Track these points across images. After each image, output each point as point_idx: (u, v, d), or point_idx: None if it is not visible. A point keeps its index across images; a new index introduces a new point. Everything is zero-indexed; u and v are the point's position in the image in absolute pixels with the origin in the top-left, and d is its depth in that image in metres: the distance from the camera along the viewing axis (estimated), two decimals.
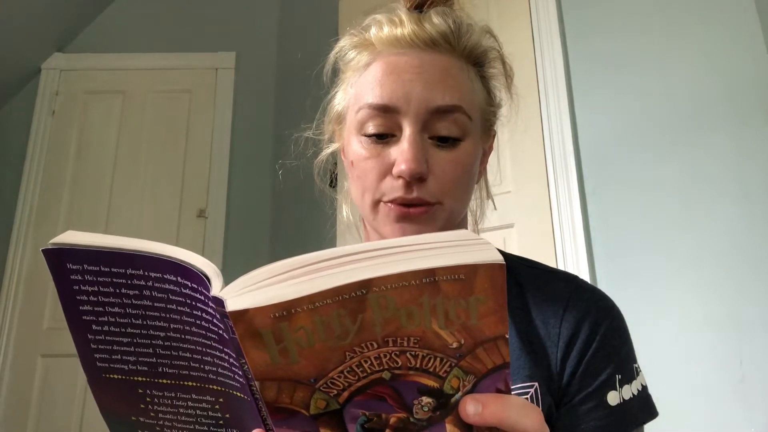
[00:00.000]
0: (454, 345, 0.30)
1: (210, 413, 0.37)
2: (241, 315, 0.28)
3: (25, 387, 2.33)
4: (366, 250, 0.29)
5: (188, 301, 0.33)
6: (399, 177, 0.54)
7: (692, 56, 1.52)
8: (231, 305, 0.28)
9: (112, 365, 0.37)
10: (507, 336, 0.31)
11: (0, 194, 2.59)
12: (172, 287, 0.33)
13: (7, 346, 2.37)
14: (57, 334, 2.38)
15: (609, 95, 1.66)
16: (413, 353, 0.30)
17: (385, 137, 0.56)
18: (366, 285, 0.28)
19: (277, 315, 0.28)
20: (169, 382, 0.37)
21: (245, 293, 0.28)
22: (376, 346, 0.30)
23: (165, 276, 0.33)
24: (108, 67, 2.76)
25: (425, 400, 0.32)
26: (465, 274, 0.28)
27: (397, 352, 0.30)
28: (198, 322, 0.33)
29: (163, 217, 2.55)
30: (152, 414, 0.38)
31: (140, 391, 0.38)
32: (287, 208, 2.49)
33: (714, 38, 1.50)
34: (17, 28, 2.52)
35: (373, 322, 0.29)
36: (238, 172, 2.66)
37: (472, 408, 0.31)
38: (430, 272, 0.28)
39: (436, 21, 0.58)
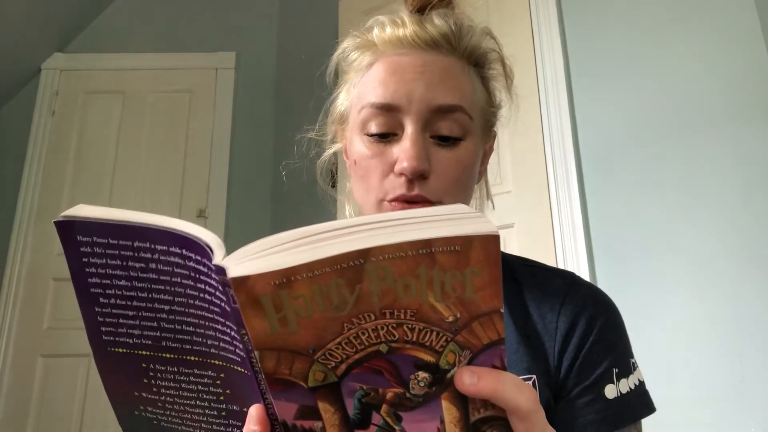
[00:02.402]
0: (450, 319, 0.31)
1: (211, 389, 0.38)
2: (243, 282, 0.28)
3: (25, 387, 2.33)
4: (365, 223, 0.30)
5: (192, 274, 0.34)
6: (401, 174, 0.55)
7: (692, 56, 1.52)
8: (232, 272, 0.28)
9: (117, 339, 0.38)
10: (502, 310, 0.31)
11: (0, 194, 2.59)
12: (177, 260, 0.34)
13: (7, 346, 2.37)
14: (57, 334, 2.38)
15: (609, 95, 1.66)
16: (410, 326, 0.31)
17: (387, 136, 0.57)
18: (364, 254, 0.28)
19: (277, 282, 0.28)
20: (172, 356, 0.37)
21: (247, 261, 0.29)
22: (373, 317, 0.30)
23: (170, 249, 0.34)
24: (108, 67, 2.76)
25: (421, 375, 0.32)
26: (460, 246, 0.29)
27: (394, 325, 0.31)
28: (201, 295, 0.34)
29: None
30: (155, 389, 0.39)
31: (144, 365, 0.38)
32: (287, 208, 2.50)
33: (714, 38, 1.50)
34: (17, 28, 2.52)
35: (370, 292, 0.29)
36: (238, 172, 2.66)
37: (468, 378, 0.32)
38: (427, 243, 0.29)
39: (437, 22, 0.59)
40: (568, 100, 1.72)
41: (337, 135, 0.68)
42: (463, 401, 0.33)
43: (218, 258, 0.30)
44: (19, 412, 2.30)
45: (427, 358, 0.32)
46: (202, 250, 0.32)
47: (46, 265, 2.46)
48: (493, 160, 0.68)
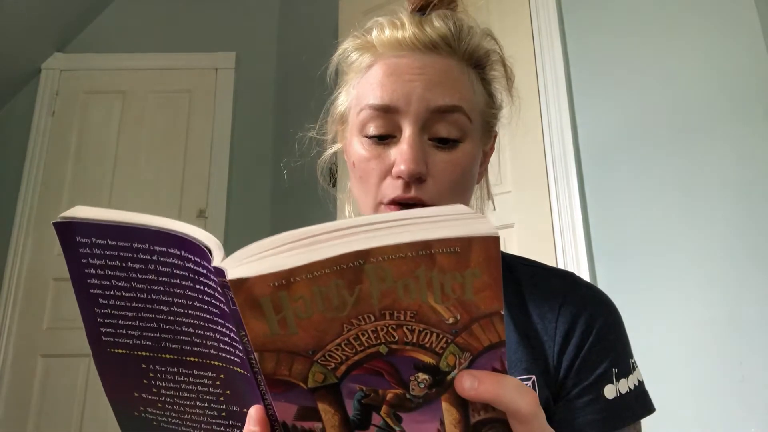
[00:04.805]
0: (450, 320, 0.31)
1: (211, 389, 0.38)
2: (241, 284, 0.28)
3: (25, 387, 2.33)
4: (365, 223, 0.29)
5: (191, 275, 0.34)
6: (398, 177, 0.55)
7: (692, 56, 1.52)
8: (231, 274, 0.28)
9: (117, 339, 0.38)
10: (502, 312, 0.31)
11: (0, 194, 2.59)
12: (175, 261, 0.34)
13: (7, 346, 2.37)
14: (57, 334, 2.38)
15: (609, 95, 1.66)
16: (410, 327, 0.31)
17: (385, 138, 0.57)
18: (363, 255, 0.28)
19: (276, 284, 0.28)
20: (171, 357, 0.37)
21: (246, 263, 0.29)
22: (373, 318, 0.30)
23: (169, 250, 0.34)
24: (108, 67, 2.76)
25: (421, 376, 0.32)
26: (460, 247, 0.29)
27: (394, 326, 0.31)
28: (200, 296, 0.34)
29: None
30: (154, 390, 0.39)
31: (143, 366, 0.38)
32: (287, 207, 2.50)
33: (714, 38, 1.50)
34: (17, 28, 2.52)
35: (370, 293, 0.29)
36: (238, 172, 2.66)
37: (468, 383, 0.32)
38: (426, 244, 0.28)
39: (437, 24, 0.58)
40: (568, 100, 1.72)
41: (338, 135, 0.68)
42: (463, 403, 0.33)
43: (217, 260, 0.30)
44: (19, 412, 2.30)
45: (427, 359, 0.32)
46: (200, 251, 0.32)
47: (46, 265, 2.46)
48: (493, 160, 0.68)
